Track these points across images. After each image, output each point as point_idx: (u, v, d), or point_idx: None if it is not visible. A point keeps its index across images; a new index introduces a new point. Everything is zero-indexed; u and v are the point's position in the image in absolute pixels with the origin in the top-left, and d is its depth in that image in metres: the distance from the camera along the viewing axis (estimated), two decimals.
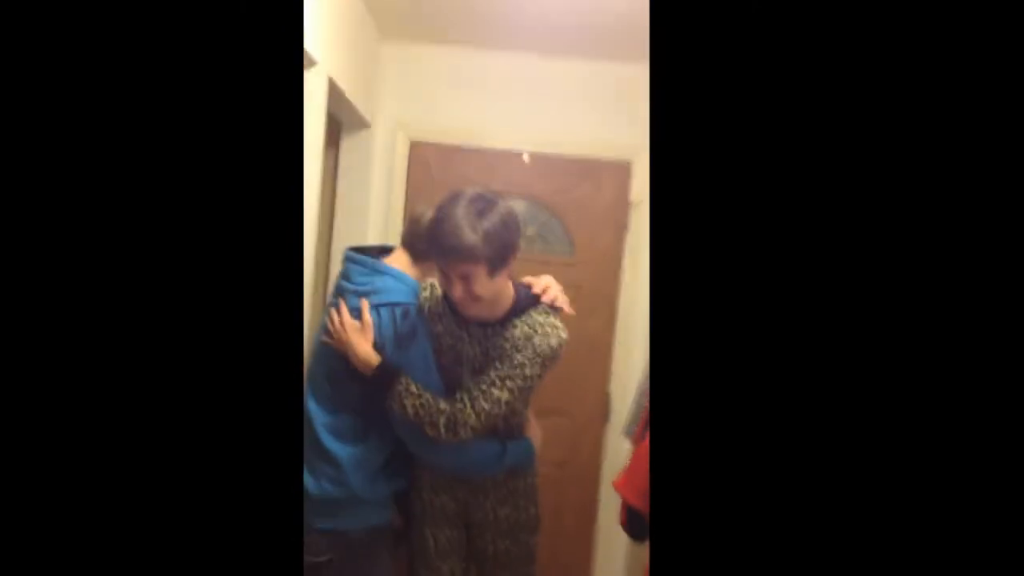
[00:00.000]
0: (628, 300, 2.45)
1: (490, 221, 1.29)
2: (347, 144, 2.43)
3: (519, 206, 2.47)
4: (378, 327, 1.37)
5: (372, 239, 2.39)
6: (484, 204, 1.30)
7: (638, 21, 1.93)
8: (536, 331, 1.41)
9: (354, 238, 2.36)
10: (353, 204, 2.45)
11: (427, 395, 1.38)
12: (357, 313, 1.39)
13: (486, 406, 1.38)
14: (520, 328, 1.41)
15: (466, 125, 2.45)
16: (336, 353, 1.41)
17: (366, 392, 1.39)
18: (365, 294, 1.40)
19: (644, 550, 1.37)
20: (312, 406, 1.45)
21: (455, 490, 1.53)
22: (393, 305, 1.39)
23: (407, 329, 1.38)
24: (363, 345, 1.37)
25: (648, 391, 1.32)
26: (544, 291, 1.47)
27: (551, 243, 2.48)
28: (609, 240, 2.47)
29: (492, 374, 1.40)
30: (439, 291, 1.46)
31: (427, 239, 1.34)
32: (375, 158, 2.44)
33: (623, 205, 2.45)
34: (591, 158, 2.44)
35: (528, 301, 1.45)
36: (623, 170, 2.45)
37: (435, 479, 1.53)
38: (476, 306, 1.38)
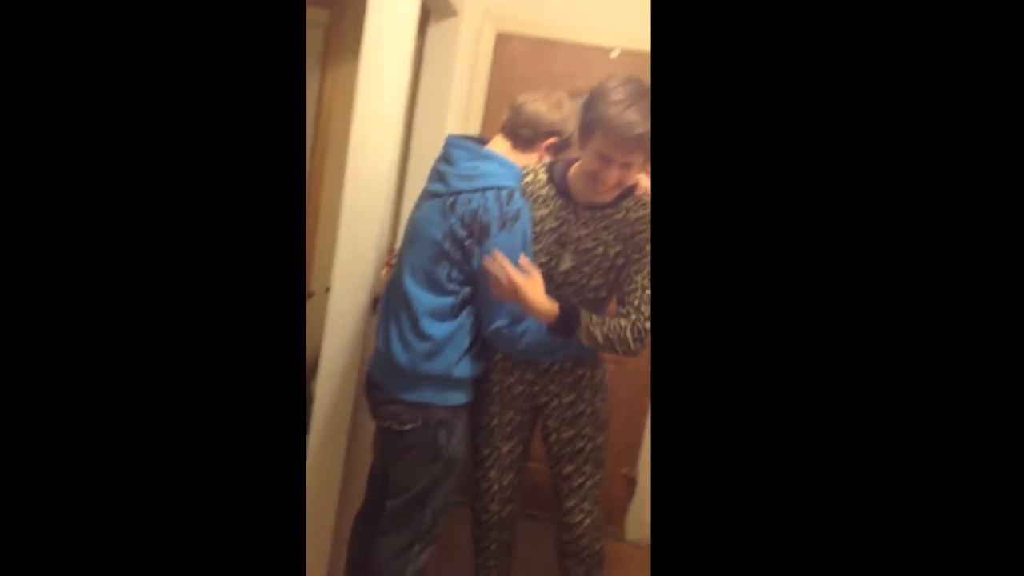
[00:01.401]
0: None
1: (639, 115, 1.34)
2: (433, 31, 2.44)
3: None
4: (484, 208, 1.44)
5: (451, 128, 2.44)
6: (644, 96, 1.35)
7: None
8: (647, 211, 1.51)
9: (433, 127, 2.41)
10: (435, 92, 2.48)
11: (609, 320, 1.50)
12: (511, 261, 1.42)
13: (647, 304, 1.49)
14: (634, 210, 1.51)
15: (554, 18, 2.41)
16: (439, 241, 1.48)
17: (465, 272, 1.49)
18: (469, 178, 1.47)
19: None
20: (412, 288, 1.53)
21: (524, 372, 1.63)
22: (498, 188, 1.46)
23: (512, 212, 1.45)
24: (542, 302, 1.45)
25: None
26: (638, 182, 1.55)
27: None
28: None
29: (633, 269, 1.51)
30: (543, 175, 1.56)
31: (590, 123, 1.39)
32: (460, 47, 2.45)
33: None
34: None
35: (628, 191, 1.53)
36: None
37: (505, 361, 1.64)
38: (612, 193, 1.47)
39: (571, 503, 1.66)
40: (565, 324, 1.48)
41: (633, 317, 1.49)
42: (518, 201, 1.47)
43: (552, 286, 1.54)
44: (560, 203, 1.54)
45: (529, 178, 1.57)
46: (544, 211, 1.55)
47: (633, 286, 1.52)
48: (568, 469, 1.65)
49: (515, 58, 2.46)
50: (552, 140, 1.56)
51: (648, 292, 1.51)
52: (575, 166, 1.53)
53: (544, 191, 1.55)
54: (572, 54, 2.43)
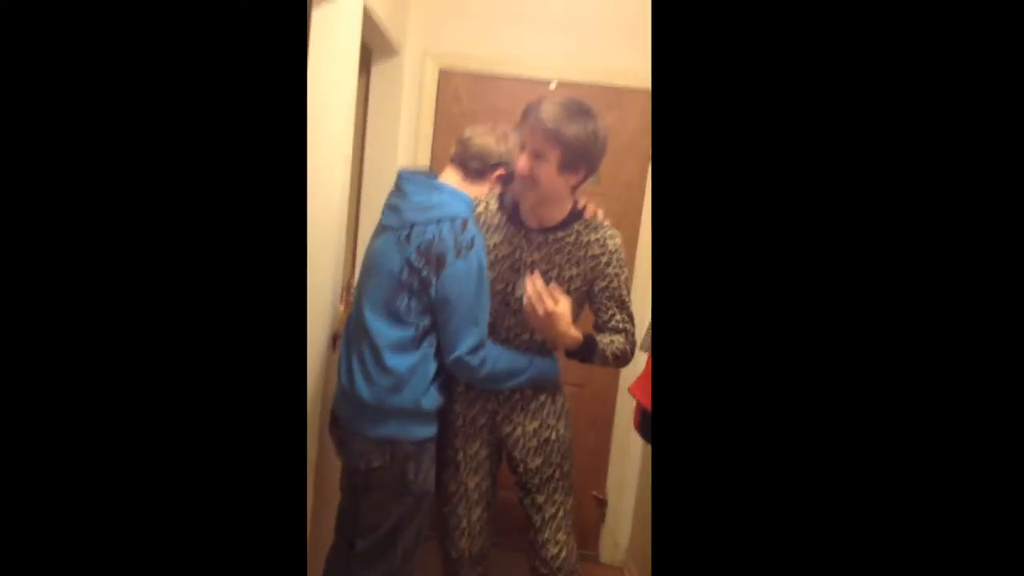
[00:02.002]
0: (650, 227, 2.53)
1: (582, 126, 1.43)
2: (377, 71, 2.48)
3: None
4: (439, 238, 1.47)
5: (401, 163, 2.47)
6: (586, 114, 1.44)
7: None
8: (599, 233, 1.57)
9: (383, 163, 2.44)
10: (383, 129, 2.52)
11: (610, 337, 1.57)
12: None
13: (630, 318, 1.61)
14: (585, 234, 1.57)
15: (494, 53, 2.48)
16: (396, 272, 1.50)
17: (420, 304, 1.51)
18: (422, 209, 1.50)
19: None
20: (372, 322, 1.53)
21: (486, 403, 1.64)
22: (452, 218, 1.49)
23: (466, 240, 1.48)
24: (570, 330, 1.50)
25: None
26: (586, 206, 1.62)
27: None
28: (633, 169, 2.52)
29: (604, 296, 1.58)
30: (494, 204, 1.61)
31: (523, 117, 1.49)
32: (404, 85, 2.49)
33: (646, 134, 2.49)
34: (617, 86, 2.47)
35: (577, 214, 1.59)
36: (646, 98, 2.48)
37: (468, 392, 1.64)
38: (534, 198, 1.51)
39: (545, 535, 1.65)
40: (586, 349, 1.55)
41: (623, 332, 1.59)
42: (471, 230, 1.50)
43: (509, 312, 1.58)
44: (512, 229, 1.58)
45: (481, 208, 1.61)
46: (497, 238, 1.59)
47: (611, 312, 1.59)
48: (540, 499, 1.65)
49: (458, 93, 2.51)
50: (500, 172, 1.61)
51: (626, 308, 1.60)
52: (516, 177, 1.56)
53: (496, 220, 1.60)
54: (513, 87, 2.49)
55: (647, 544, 2.29)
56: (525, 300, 1.46)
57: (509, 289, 1.58)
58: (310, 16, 1.72)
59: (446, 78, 2.50)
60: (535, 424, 1.64)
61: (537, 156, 1.46)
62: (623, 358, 1.60)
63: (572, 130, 1.42)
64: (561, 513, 1.66)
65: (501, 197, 1.63)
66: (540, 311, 1.44)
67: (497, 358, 1.54)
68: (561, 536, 1.66)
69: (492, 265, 1.57)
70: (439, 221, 1.49)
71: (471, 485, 1.66)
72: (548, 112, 1.43)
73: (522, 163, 1.48)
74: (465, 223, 1.50)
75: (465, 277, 1.47)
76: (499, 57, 2.48)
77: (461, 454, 1.66)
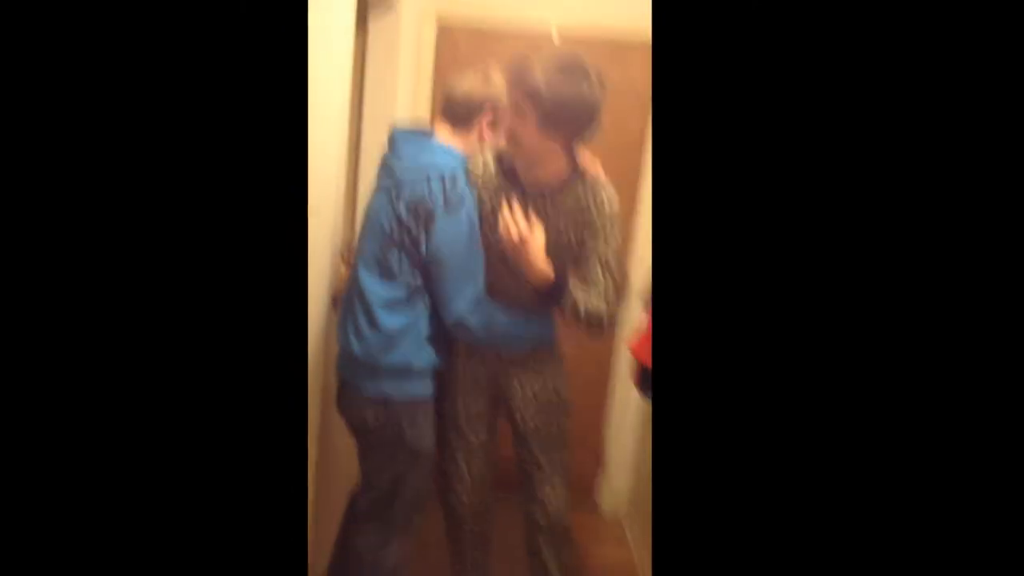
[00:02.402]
0: (650, 181, 2.51)
1: (566, 85, 1.36)
2: (375, 27, 2.43)
3: None
4: (428, 193, 1.46)
5: (400, 121, 2.44)
6: (574, 72, 1.36)
7: None
8: (597, 197, 1.52)
9: (383, 120, 2.41)
10: (382, 86, 2.48)
11: (591, 294, 1.50)
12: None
13: (613, 284, 1.53)
14: (584, 196, 1.52)
15: (493, 5, 2.42)
16: (387, 229, 1.50)
17: (416, 263, 1.50)
18: (413, 167, 1.49)
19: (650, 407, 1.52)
20: (366, 278, 1.54)
21: (487, 361, 1.66)
22: (441, 174, 1.49)
23: (456, 196, 1.48)
24: (542, 261, 1.46)
25: None
26: (585, 167, 1.57)
27: None
28: (635, 126, 2.49)
29: (590, 247, 1.51)
30: (492, 165, 1.57)
31: (509, 68, 1.45)
32: (403, 41, 2.45)
33: (648, 87, 2.46)
34: (621, 41, 2.43)
35: (577, 175, 1.55)
36: (648, 51, 2.43)
37: (470, 352, 1.66)
38: (520, 156, 1.48)
39: (545, 488, 1.70)
40: (556, 290, 1.49)
41: (602, 295, 1.50)
42: (461, 186, 1.49)
43: (508, 271, 1.55)
44: (513, 191, 1.55)
45: (480, 170, 1.58)
46: (497, 198, 1.55)
47: (595, 272, 1.54)
48: (539, 455, 1.69)
49: (458, 48, 2.47)
50: (488, 114, 1.58)
51: (612, 276, 1.53)
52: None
53: (495, 179, 1.57)
54: (514, 41, 2.45)
55: (647, 497, 2.35)
56: (500, 224, 1.43)
57: (502, 247, 1.54)
58: None
59: (445, 32, 2.46)
60: (536, 385, 1.67)
61: (516, 112, 1.42)
62: (595, 321, 1.51)
63: (553, 88, 1.35)
64: (559, 467, 1.71)
65: (500, 157, 1.60)
66: (514, 235, 1.41)
67: (495, 318, 1.55)
68: (559, 489, 1.71)
69: (493, 226, 1.54)
70: (428, 178, 1.48)
71: (473, 440, 1.69)
72: (530, 68, 1.37)
73: (506, 120, 1.47)
74: (455, 178, 1.49)
75: (455, 233, 1.47)
76: (499, 10, 2.43)
77: (462, 411, 1.68)
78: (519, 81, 1.39)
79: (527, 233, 1.42)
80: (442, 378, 1.66)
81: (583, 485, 2.67)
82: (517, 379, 1.67)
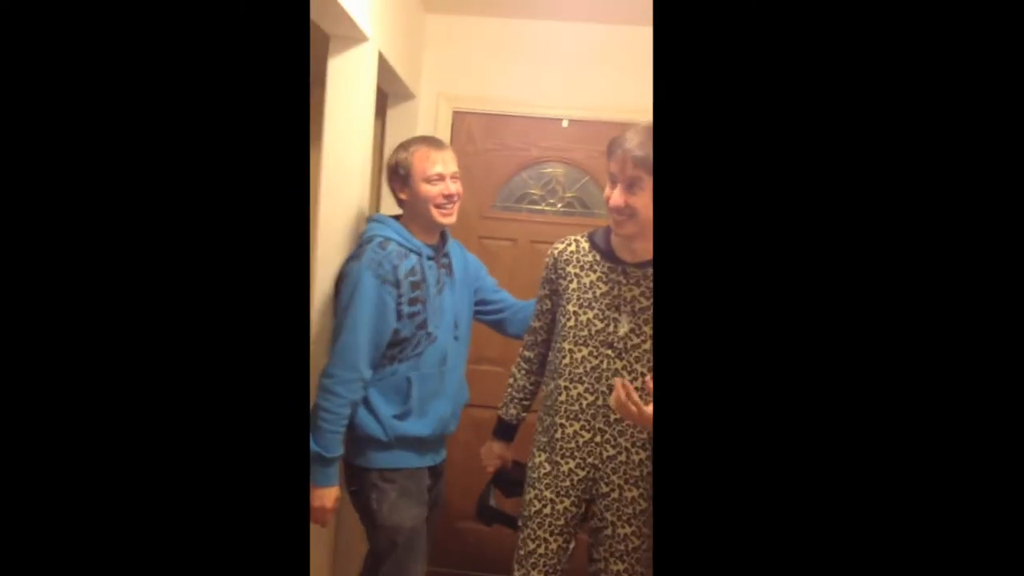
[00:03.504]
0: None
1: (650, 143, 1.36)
2: (393, 114, 2.55)
3: (558, 171, 2.57)
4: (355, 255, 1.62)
5: None
6: (647, 132, 1.39)
7: None
8: None
9: None
10: None
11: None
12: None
13: None
14: None
15: (506, 94, 2.54)
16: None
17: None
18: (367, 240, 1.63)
19: None
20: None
21: (584, 457, 1.51)
22: (370, 239, 1.62)
23: (361, 250, 1.61)
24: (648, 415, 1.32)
25: None
26: None
27: (589, 206, 2.57)
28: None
29: None
30: (585, 244, 1.53)
31: (609, 150, 1.44)
32: (419, 127, 2.56)
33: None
34: (627, 122, 2.51)
35: None
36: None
37: (565, 443, 1.52)
38: (634, 228, 1.40)
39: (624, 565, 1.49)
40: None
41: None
42: (371, 247, 1.58)
43: (614, 352, 1.46)
44: (607, 266, 1.49)
45: (572, 248, 1.54)
46: (592, 276, 1.49)
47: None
48: (617, 567, 1.49)
49: (472, 133, 2.57)
50: (395, 178, 1.70)
51: None
52: (612, 233, 1.49)
53: (589, 258, 1.51)
54: (524, 125, 2.55)
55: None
56: (614, 402, 1.35)
57: (611, 328, 1.46)
58: (328, 63, 1.79)
59: (460, 119, 2.57)
60: (635, 492, 1.48)
61: (631, 185, 1.38)
62: None
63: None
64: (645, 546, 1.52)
65: (591, 235, 1.55)
66: (629, 417, 1.34)
67: (329, 418, 1.53)
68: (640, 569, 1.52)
69: (590, 303, 1.48)
70: (364, 244, 1.61)
71: (552, 547, 1.52)
72: (635, 140, 1.38)
73: (616, 197, 1.39)
74: (370, 239, 1.60)
75: (343, 283, 1.56)
76: (510, 97, 2.54)
77: (548, 507, 1.52)
78: (628, 152, 1.37)
79: (639, 411, 1.31)
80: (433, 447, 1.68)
81: None
82: (615, 483, 1.49)
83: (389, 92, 2.47)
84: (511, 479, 1.70)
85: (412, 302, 1.59)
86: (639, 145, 1.37)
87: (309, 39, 0.85)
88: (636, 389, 1.37)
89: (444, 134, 2.56)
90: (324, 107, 1.80)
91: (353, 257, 1.60)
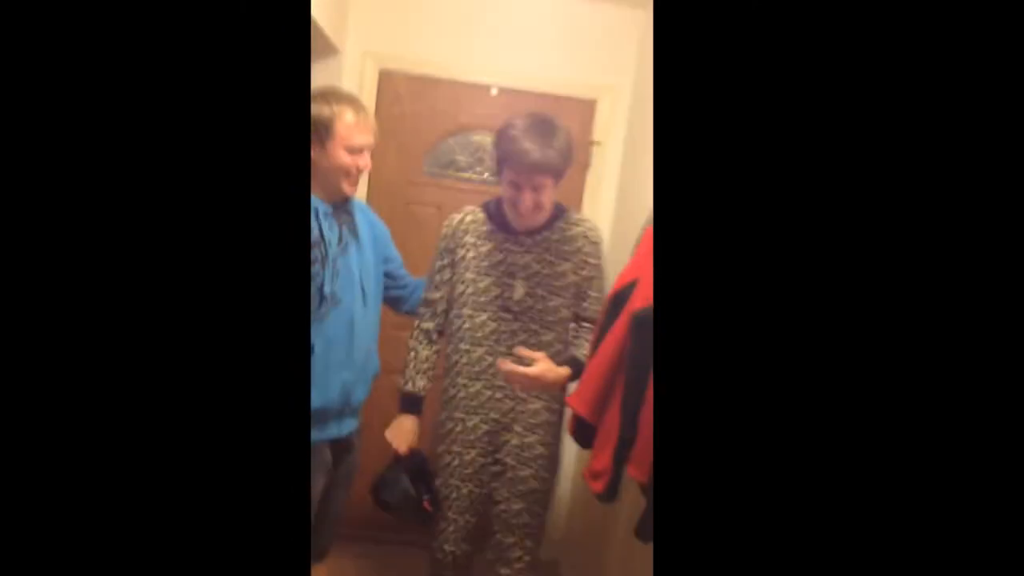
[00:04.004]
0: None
1: (559, 140, 1.52)
2: (317, 67, 2.44)
3: (486, 139, 2.54)
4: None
5: None
6: (549, 125, 1.53)
7: None
8: (581, 227, 1.67)
9: None
10: None
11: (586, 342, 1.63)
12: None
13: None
14: (568, 228, 1.66)
15: (435, 57, 2.47)
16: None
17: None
18: None
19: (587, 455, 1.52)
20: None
21: (487, 413, 1.70)
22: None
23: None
24: (557, 375, 1.57)
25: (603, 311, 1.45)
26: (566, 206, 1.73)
27: None
28: (571, 178, 2.55)
29: (585, 285, 1.66)
30: (480, 215, 1.68)
31: (498, 158, 1.58)
32: (344, 85, 2.46)
33: (586, 144, 2.53)
34: (557, 95, 2.50)
35: (560, 212, 1.67)
36: (588, 108, 2.51)
37: (469, 400, 1.71)
38: (534, 215, 1.59)
39: (510, 540, 1.68)
40: (576, 372, 1.57)
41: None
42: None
43: (511, 315, 1.62)
44: (501, 236, 1.64)
45: (470, 218, 1.67)
46: (489, 246, 1.64)
47: (590, 302, 1.67)
48: (517, 506, 1.67)
49: (399, 95, 2.49)
50: (314, 134, 1.54)
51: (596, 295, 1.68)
52: (503, 190, 1.62)
53: (484, 228, 1.65)
54: (453, 90, 2.49)
55: (583, 538, 2.32)
56: (505, 379, 1.56)
57: (507, 294, 1.63)
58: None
59: (386, 78, 2.48)
60: (533, 438, 1.68)
61: (535, 189, 1.53)
62: None
63: (555, 152, 1.50)
64: (536, 524, 1.73)
65: (485, 206, 1.69)
66: (520, 387, 1.58)
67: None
68: (530, 544, 1.73)
69: (487, 271, 1.63)
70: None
71: (463, 491, 1.70)
72: (526, 145, 1.48)
73: (527, 203, 1.54)
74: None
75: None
76: (438, 60, 2.47)
77: (456, 459, 1.69)
78: (524, 159, 1.49)
79: (528, 375, 1.53)
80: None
81: None
82: (516, 432, 1.69)
83: (313, 47, 2.36)
84: (423, 470, 1.71)
85: (311, 264, 1.49)
86: (533, 150, 1.49)
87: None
88: (512, 359, 1.56)
89: (370, 93, 2.47)
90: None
91: None
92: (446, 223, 1.71)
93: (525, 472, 1.67)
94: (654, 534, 0.79)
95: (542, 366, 1.54)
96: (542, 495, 1.70)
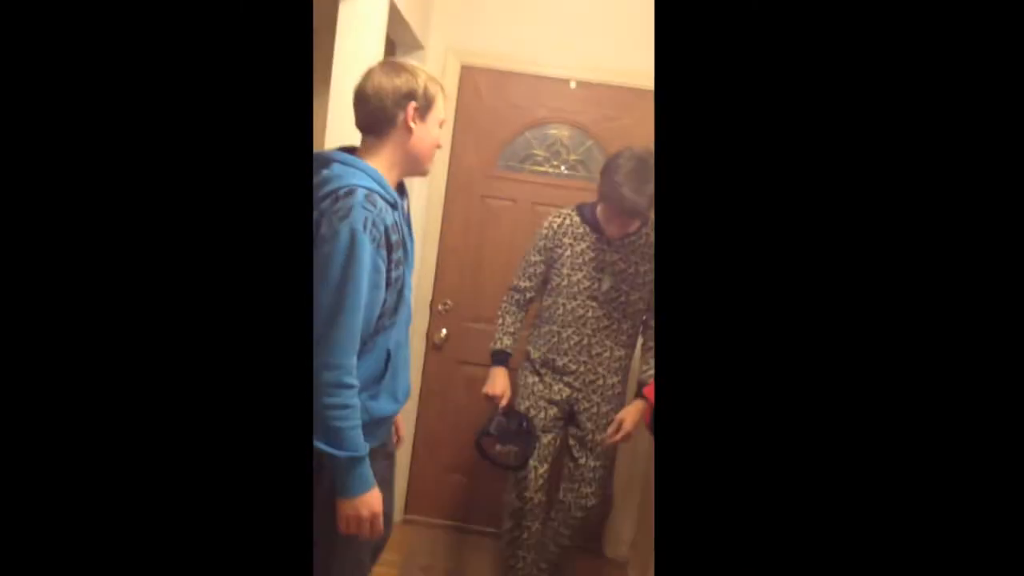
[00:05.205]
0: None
1: (651, 185, 1.75)
2: None
3: (564, 132, 2.55)
4: (318, 216, 1.24)
5: None
6: (648, 171, 1.76)
7: None
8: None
9: None
10: None
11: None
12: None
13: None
14: (652, 234, 1.92)
15: (516, 51, 2.50)
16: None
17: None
18: (320, 190, 1.28)
19: None
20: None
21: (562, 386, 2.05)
22: (337, 190, 1.23)
23: (343, 208, 1.21)
24: (641, 413, 1.94)
25: None
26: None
27: (592, 170, 2.56)
28: None
29: (650, 290, 1.96)
30: (576, 217, 1.96)
31: (601, 192, 1.83)
32: None
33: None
34: (635, 88, 2.49)
35: (646, 219, 1.94)
36: None
37: (543, 376, 2.05)
38: (621, 233, 1.91)
39: (586, 490, 2.01)
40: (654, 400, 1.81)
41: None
42: (357, 200, 1.21)
43: (597, 304, 1.93)
44: (594, 237, 1.93)
45: (567, 221, 1.95)
46: (583, 245, 1.94)
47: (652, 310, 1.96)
48: (594, 463, 2.00)
49: (479, 90, 2.54)
50: (414, 105, 1.30)
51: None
52: (599, 208, 1.91)
53: (580, 229, 1.95)
54: (533, 85, 2.52)
55: (651, 540, 2.31)
56: (610, 437, 1.94)
57: (596, 286, 1.93)
58: (339, 9, 1.76)
59: (468, 74, 2.53)
60: (608, 408, 1.99)
61: (623, 224, 1.86)
62: None
63: (646, 200, 1.77)
64: (602, 475, 2.03)
65: (580, 209, 1.96)
66: (622, 437, 1.95)
67: (350, 416, 1.20)
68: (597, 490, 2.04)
69: (580, 267, 1.92)
70: (326, 197, 1.22)
71: (544, 441, 1.97)
72: (624, 191, 1.75)
73: (614, 230, 1.89)
74: (351, 192, 1.21)
75: (328, 257, 1.19)
76: (519, 55, 2.50)
77: (542, 413, 1.98)
78: (625, 204, 1.77)
79: (622, 435, 1.94)
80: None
81: (590, 527, 2.63)
82: (594, 400, 1.99)
83: (398, 42, 2.43)
84: (509, 428, 1.97)
85: (396, 265, 1.29)
86: (633, 196, 1.75)
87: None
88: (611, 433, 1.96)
89: (451, 88, 2.53)
90: (333, 54, 1.77)
91: (337, 214, 1.20)
92: (546, 224, 1.99)
93: (601, 436, 1.98)
94: (654, 533, 0.80)
95: (628, 419, 1.93)
96: (612, 450, 2.05)
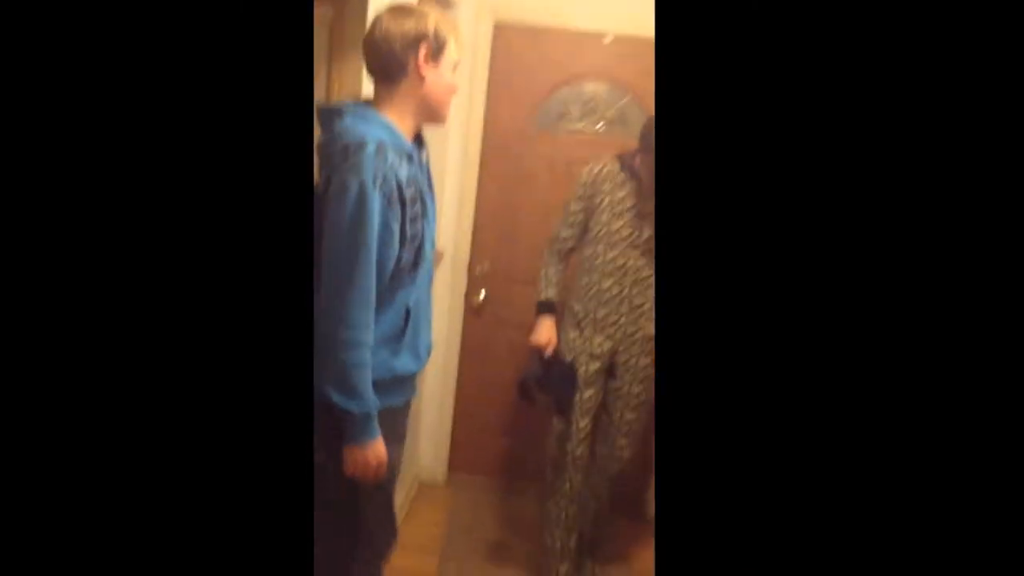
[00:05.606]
0: None
1: None
2: None
3: (600, 88, 2.50)
4: (327, 166, 1.23)
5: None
6: None
7: None
8: None
9: None
10: None
11: None
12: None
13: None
14: None
15: (547, 6, 2.44)
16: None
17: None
18: (328, 145, 1.26)
19: None
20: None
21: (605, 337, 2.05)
22: (347, 144, 1.21)
23: (355, 163, 1.18)
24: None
25: None
26: None
27: (630, 126, 2.51)
28: None
29: None
30: (615, 166, 1.94)
31: (643, 147, 1.85)
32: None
33: None
34: None
35: None
36: None
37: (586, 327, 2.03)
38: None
39: (623, 443, 2.05)
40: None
41: None
42: (367, 154, 1.17)
43: (638, 252, 1.92)
44: (634, 185, 1.90)
45: (608, 169, 1.93)
46: (622, 193, 1.91)
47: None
48: (630, 416, 2.03)
49: (512, 46, 2.49)
50: (425, 48, 1.25)
51: None
52: (638, 158, 1.90)
53: (620, 177, 1.92)
54: (567, 40, 2.46)
55: None
56: None
57: (636, 234, 1.91)
58: None
59: (501, 30, 2.49)
60: (647, 360, 1.99)
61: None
62: None
63: None
64: (638, 428, 2.07)
65: (620, 158, 1.93)
66: None
67: (364, 372, 1.21)
68: (632, 442, 2.07)
69: (622, 214, 1.90)
70: (337, 151, 1.20)
71: (586, 395, 2.00)
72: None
73: (647, 175, 1.87)
74: (362, 145, 1.17)
75: (338, 213, 1.17)
76: (553, 10, 2.44)
77: (583, 367, 1.99)
78: (646, 140, 1.80)
79: None
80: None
81: (633, 495, 2.65)
82: (633, 352, 1.99)
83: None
84: (553, 375, 1.98)
85: (413, 220, 1.24)
86: None
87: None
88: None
89: (485, 45, 2.49)
90: (367, 9, 1.75)
91: (347, 168, 1.16)
92: (585, 172, 1.96)
93: (636, 389, 2.01)
94: (654, 535, 0.80)
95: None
96: (649, 405, 2.03)
